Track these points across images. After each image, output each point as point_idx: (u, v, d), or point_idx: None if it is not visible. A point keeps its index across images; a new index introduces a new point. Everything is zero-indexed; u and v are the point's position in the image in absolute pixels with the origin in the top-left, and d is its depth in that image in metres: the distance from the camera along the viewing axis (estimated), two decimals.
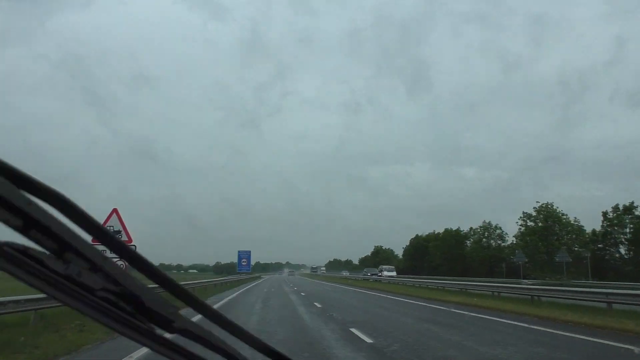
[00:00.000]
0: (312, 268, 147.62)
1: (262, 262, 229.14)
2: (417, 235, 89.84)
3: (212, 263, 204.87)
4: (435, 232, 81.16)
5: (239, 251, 69.02)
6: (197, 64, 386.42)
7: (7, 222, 0.63)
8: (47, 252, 0.68)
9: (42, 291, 0.69)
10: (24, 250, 0.67)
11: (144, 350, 6.82)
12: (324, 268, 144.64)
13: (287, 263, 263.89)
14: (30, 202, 0.63)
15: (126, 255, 0.73)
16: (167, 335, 0.80)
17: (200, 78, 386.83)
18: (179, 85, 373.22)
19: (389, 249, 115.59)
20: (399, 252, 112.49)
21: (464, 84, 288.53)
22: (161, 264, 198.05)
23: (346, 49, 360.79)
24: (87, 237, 0.69)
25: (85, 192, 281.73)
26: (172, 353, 0.82)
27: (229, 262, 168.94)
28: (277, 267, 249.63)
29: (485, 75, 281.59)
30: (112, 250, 0.74)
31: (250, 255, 69.19)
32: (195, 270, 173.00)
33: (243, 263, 68.32)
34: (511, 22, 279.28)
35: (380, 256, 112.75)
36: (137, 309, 0.75)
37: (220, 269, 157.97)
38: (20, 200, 0.62)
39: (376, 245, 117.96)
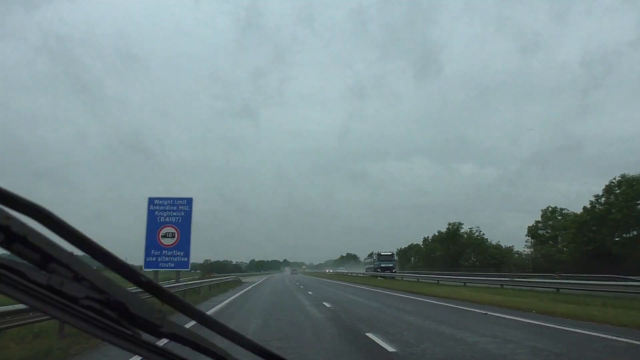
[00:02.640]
0: (380, 256, 57.55)
1: (257, 259, 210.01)
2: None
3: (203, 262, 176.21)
4: None
5: (150, 200, 20.17)
6: (189, 46, 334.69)
7: None
8: (30, 265, 0.68)
9: (24, 303, 0.69)
10: (5, 264, 0.67)
11: None
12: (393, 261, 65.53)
13: (285, 261, 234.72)
14: (9, 217, 0.63)
15: (110, 262, 0.75)
16: (156, 341, 0.81)
17: (192, 63, 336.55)
18: (168, 72, 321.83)
19: (476, 230, 65.70)
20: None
21: (477, 68, 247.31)
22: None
23: (349, 30, 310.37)
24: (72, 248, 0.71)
25: (74, 189, 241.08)
26: (159, 358, 0.82)
27: (221, 260, 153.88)
28: (274, 265, 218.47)
29: (501, 57, 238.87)
30: (95, 258, 0.74)
31: (189, 212, 20.27)
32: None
33: (165, 243, 19.67)
34: None
35: (462, 242, 64.02)
36: (122, 315, 0.76)
37: (209, 267, 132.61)
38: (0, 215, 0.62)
39: (451, 221, 68.41)
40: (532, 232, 49.78)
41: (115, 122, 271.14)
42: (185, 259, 19.94)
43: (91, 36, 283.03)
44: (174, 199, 20.38)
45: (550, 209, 48.51)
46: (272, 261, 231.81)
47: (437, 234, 73.80)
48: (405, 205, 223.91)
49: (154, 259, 19.66)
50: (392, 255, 58.49)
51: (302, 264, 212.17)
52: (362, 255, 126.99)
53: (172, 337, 0.79)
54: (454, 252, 62.24)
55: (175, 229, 19.98)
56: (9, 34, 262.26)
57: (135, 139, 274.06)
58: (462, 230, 67.02)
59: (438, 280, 34.67)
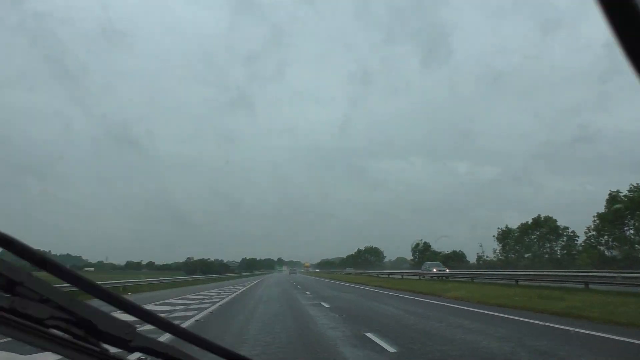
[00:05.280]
0: None
1: (248, 257, 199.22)
2: None
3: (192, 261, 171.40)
4: None
5: None
6: (177, 26, 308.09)
7: None
8: None
9: None
10: None
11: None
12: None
13: (280, 259, 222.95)
14: None
15: (74, 281, 0.76)
16: (127, 355, 0.83)
17: (181, 43, 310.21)
18: (158, 55, 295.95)
19: None
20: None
21: (491, 52, 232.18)
22: (129, 262, 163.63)
23: (351, 10, 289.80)
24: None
25: (61, 184, 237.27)
26: None
27: (211, 258, 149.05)
28: (268, 264, 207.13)
29: (518, 39, 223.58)
30: (59, 277, 0.75)
31: None
32: (91, 269, 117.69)
33: None
34: None
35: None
36: (90, 333, 0.77)
37: (193, 266, 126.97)
38: None
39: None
40: None
41: (102, 112, 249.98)
42: None
43: (73, 13, 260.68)
44: None
45: None
46: (266, 259, 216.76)
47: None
48: (407, 204, 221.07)
49: None
50: None
51: (298, 262, 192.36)
52: (388, 250, 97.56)
53: (144, 350, 0.81)
54: None
55: None
56: None
57: (124, 130, 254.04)
58: None
59: None
